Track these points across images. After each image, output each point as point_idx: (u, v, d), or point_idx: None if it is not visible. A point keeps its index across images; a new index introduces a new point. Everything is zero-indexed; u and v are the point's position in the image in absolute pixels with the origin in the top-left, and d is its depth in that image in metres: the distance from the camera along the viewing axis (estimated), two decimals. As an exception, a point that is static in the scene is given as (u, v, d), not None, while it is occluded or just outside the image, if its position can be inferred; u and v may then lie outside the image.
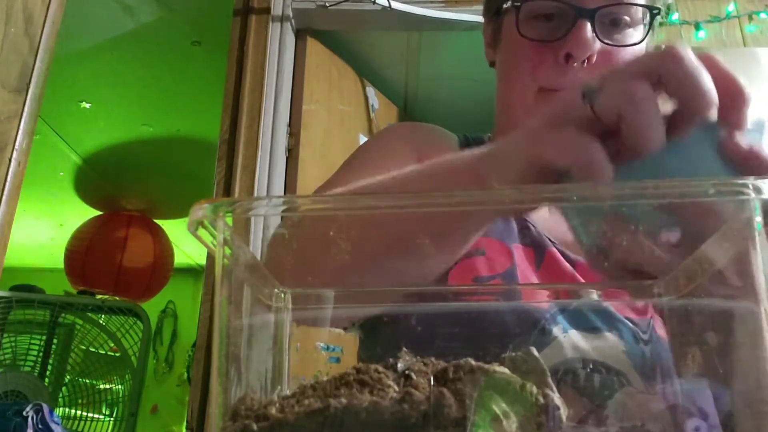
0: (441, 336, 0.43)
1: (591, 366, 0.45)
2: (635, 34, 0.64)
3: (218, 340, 0.27)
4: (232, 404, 0.27)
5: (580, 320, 0.51)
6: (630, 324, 0.51)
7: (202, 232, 0.27)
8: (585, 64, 0.61)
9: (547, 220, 0.66)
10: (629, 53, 0.63)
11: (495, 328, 0.44)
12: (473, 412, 0.28)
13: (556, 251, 0.62)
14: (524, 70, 0.64)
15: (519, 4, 0.63)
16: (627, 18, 0.63)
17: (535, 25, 0.64)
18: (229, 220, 0.27)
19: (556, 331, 0.50)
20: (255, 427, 0.25)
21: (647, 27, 0.64)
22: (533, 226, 0.64)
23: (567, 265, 0.61)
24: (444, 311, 0.45)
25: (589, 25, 0.60)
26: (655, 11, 0.65)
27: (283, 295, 0.35)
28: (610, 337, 0.50)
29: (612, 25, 0.63)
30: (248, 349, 0.30)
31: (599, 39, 0.61)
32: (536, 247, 0.62)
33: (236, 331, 0.29)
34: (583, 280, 0.60)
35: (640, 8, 0.64)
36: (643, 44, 0.65)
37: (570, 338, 0.49)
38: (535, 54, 0.63)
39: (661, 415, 0.42)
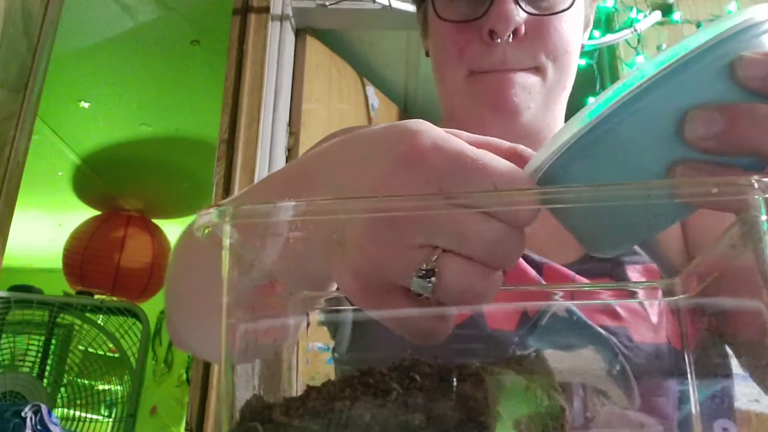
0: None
1: (571, 389, 0.41)
2: None
3: (225, 343, 0.26)
4: (239, 407, 0.27)
5: (552, 339, 0.47)
6: (606, 334, 0.48)
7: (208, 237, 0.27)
8: (511, 38, 0.57)
9: None
10: (563, 21, 0.58)
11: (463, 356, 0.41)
12: (477, 414, 0.27)
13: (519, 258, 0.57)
14: (451, 54, 0.60)
15: None
16: None
17: (454, 5, 0.59)
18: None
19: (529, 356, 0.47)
20: (260, 429, 0.24)
21: None
22: None
23: (532, 272, 0.56)
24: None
25: None
26: None
27: (292, 298, 0.34)
28: (586, 353, 0.47)
29: None
30: (255, 352, 0.30)
31: (523, 9, 0.56)
32: None
33: (242, 335, 0.28)
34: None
35: None
36: (576, 8, 0.59)
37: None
38: (459, 35, 0.59)
39: (648, 427, 0.41)
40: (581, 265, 0.57)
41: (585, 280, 0.55)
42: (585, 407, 0.39)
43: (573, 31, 0.60)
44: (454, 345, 0.45)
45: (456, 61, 0.60)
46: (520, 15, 0.56)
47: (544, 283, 0.55)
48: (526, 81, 0.58)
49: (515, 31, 0.57)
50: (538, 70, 0.59)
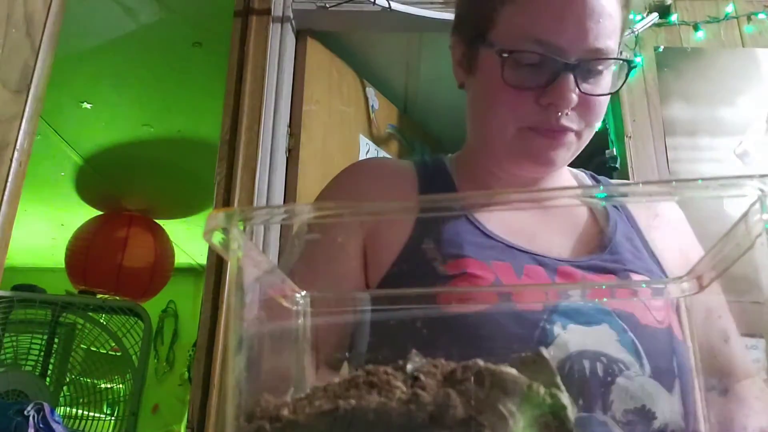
0: (443, 342, 0.45)
1: (594, 357, 0.50)
2: (608, 76, 0.67)
3: (233, 344, 0.27)
4: (249, 406, 0.28)
5: (574, 316, 0.54)
6: (615, 315, 0.55)
7: (217, 239, 0.28)
8: (567, 112, 0.64)
9: (517, 232, 0.66)
10: (604, 98, 0.67)
11: (499, 333, 0.49)
12: (479, 413, 0.28)
13: (535, 264, 0.63)
14: (504, 110, 0.66)
15: (506, 55, 0.64)
16: (601, 67, 0.66)
17: (518, 72, 0.65)
18: (241, 226, 0.27)
19: (557, 329, 0.53)
20: (268, 427, 0.25)
21: (623, 76, 0.67)
22: (504, 243, 0.64)
23: (547, 275, 0.62)
24: (447, 316, 0.47)
25: (572, 78, 0.63)
26: (632, 64, 0.67)
27: (302, 299, 0.35)
28: (602, 328, 0.54)
29: (589, 73, 0.65)
30: (264, 351, 0.31)
31: (580, 90, 0.64)
32: (513, 261, 0.63)
33: (251, 335, 0.29)
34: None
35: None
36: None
37: (570, 333, 0.53)
38: (516, 96, 0.65)
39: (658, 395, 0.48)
40: (588, 262, 0.64)
41: (596, 278, 0.62)
42: (606, 372, 0.47)
43: (607, 100, 0.69)
44: (488, 322, 0.51)
45: (508, 117, 0.67)
46: (577, 93, 0.63)
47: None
48: (568, 141, 0.66)
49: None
50: (577, 132, 0.67)
